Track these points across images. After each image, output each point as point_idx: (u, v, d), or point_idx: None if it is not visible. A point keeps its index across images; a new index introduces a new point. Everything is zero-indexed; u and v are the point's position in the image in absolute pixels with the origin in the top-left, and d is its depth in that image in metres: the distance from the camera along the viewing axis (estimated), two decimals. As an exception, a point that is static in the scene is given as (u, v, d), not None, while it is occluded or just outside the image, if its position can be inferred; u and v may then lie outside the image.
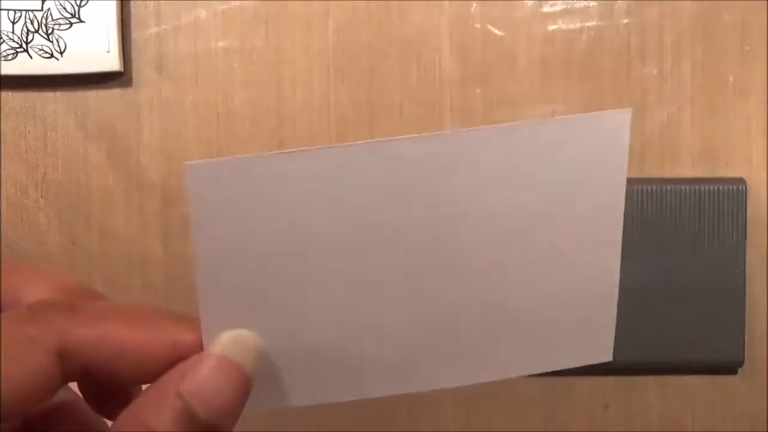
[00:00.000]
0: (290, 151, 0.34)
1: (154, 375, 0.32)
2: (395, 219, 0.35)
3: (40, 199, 0.62)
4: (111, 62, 0.60)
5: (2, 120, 0.62)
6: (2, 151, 0.62)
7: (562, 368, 0.39)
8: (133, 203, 0.62)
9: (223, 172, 0.34)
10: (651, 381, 0.63)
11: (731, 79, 0.62)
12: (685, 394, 0.64)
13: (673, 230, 0.61)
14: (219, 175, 0.34)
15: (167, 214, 0.63)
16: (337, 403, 0.37)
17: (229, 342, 0.33)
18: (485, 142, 0.35)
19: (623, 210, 0.37)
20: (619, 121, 0.38)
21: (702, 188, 0.61)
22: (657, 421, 0.63)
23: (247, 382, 0.33)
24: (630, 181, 0.61)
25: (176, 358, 0.32)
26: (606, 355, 0.39)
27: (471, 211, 0.36)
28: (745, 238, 0.62)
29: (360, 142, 0.34)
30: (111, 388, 0.35)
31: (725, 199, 0.61)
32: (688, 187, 0.61)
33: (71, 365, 0.31)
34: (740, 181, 0.62)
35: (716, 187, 0.61)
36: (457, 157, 0.35)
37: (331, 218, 0.35)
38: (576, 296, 0.38)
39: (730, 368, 0.64)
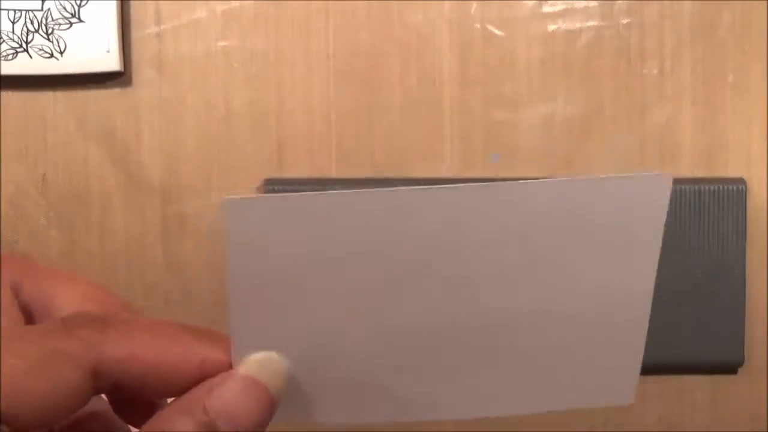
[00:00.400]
0: (324, 193, 0.36)
1: (181, 390, 0.33)
2: (422, 260, 0.36)
3: (40, 199, 0.62)
4: (111, 62, 0.60)
5: (2, 120, 0.62)
6: (2, 151, 0.62)
7: (581, 407, 0.40)
8: (133, 203, 0.62)
9: (259, 207, 0.36)
10: (651, 381, 0.63)
11: (731, 78, 0.62)
12: (685, 394, 0.64)
13: (674, 230, 0.61)
14: (255, 211, 0.36)
15: (167, 214, 0.63)
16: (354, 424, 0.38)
17: (257, 363, 0.34)
18: (523, 196, 0.36)
19: (656, 269, 0.38)
20: (659, 184, 0.38)
21: (702, 188, 0.61)
22: (657, 421, 0.63)
23: (272, 404, 0.34)
24: (630, 181, 0.61)
25: (204, 375, 0.33)
26: (628, 398, 0.40)
27: (501, 257, 0.37)
28: (745, 238, 0.62)
29: (397, 188, 0.36)
30: (138, 399, 0.36)
31: (725, 199, 0.61)
32: (688, 187, 0.61)
33: (102, 381, 0.32)
34: (740, 181, 0.62)
35: (716, 187, 0.61)
36: (494, 208, 0.36)
37: (360, 255, 0.36)
38: (601, 343, 0.39)
39: (730, 368, 0.64)
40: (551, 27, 0.62)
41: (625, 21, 0.62)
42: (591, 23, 0.62)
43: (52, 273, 0.37)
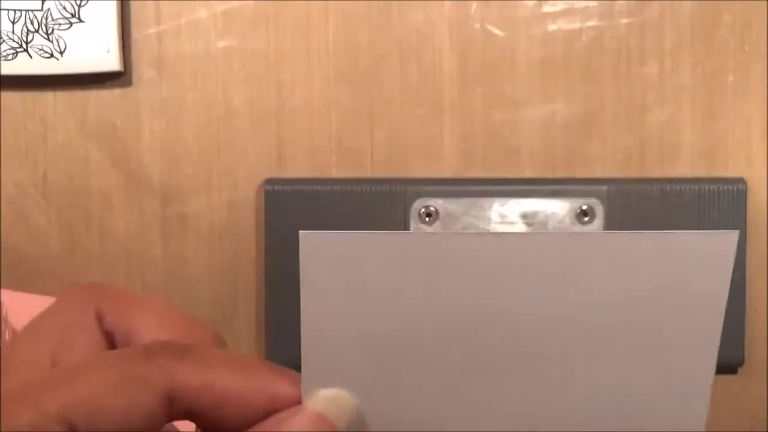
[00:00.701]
0: (399, 233, 0.38)
1: (252, 422, 0.34)
2: (490, 304, 0.37)
3: (40, 199, 0.62)
4: (111, 62, 0.60)
5: (2, 120, 0.62)
6: (2, 151, 0.62)
7: None
8: (133, 203, 0.63)
9: (334, 243, 0.37)
10: (651, 381, 0.63)
11: (731, 78, 0.62)
12: (685, 394, 0.64)
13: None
14: (330, 246, 0.37)
15: (167, 214, 0.63)
16: None
17: (327, 400, 0.35)
18: (589, 247, 0.37)
19: (722, 324, 0.39)
20: (725, 241, 0.39)
21: (702, 188, 0.61)
22: None
23: None
24: (630, 181, 0.61)
25: (274, 409, 0.34)
26: None
27: (569, 309, 0.37)
28: (745, 238, 0.62)
29: (468, 232, 0.38)
30: (210, 429, 0.37)
31: (725, 199, 0.61)
32: (688, 187, 0.61)
33: (177, 408, 0.34)
34: (740, 181, 0.62)
35: (716, 187, 0.61)
36: (564, 258, 0.37)
37: (431, 299, 0.37)
38: (665, 397, 0.41)
39: (730, 368, 0.64)
40: (551, 27, 0.62)
41: (625, 21, 0.62)
42: (591, 23, 0.62)
43: (135, 301, 0.39)
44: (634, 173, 0.62)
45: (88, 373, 0.33)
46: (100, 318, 0.38)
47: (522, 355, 0.38)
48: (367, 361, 0.38)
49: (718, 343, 0.39)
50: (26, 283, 0.63)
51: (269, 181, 0.62)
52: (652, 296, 0.38)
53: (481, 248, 0.37)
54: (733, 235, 0.38)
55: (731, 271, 0.39)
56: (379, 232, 0.37)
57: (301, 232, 0.37)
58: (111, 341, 0.38)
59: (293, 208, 0.61)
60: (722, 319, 0.39)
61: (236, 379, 0.35)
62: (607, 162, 0.62)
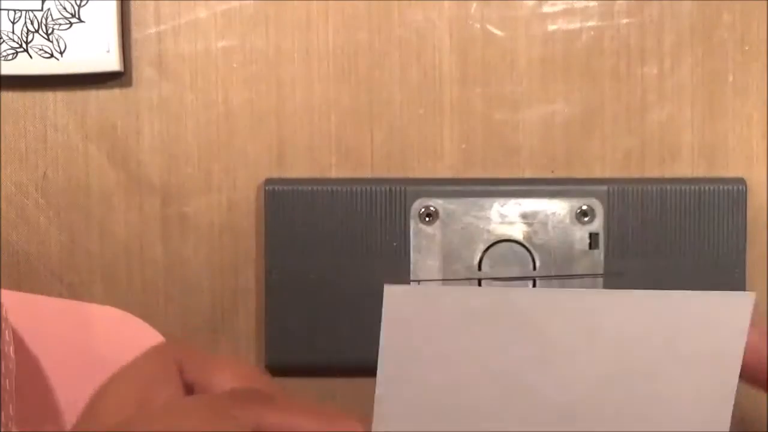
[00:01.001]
0: (474, 289, 0.45)
1: None
2: (541, 354, 0.41)
3: (40, 199, 0.62)
4: (111, 62, 0.60)
5: (2, 120, 0.62)
6: (2, 151, 0.62)
7: None
8: (133, 203, 0.63)
9: (416, 296, 0.42)
10: (651, 381, 0.64)
11: (731, 78, 0.62)
12: (685, 394, 0.64)
13: (674, 230, 0.61)
14: (412, 299, 0.42)
15: (167, 214, 0.63)
16: None
17: None
18: (620, 305, 0.41)
19: (737, 380, 0.42)
20: (740, 302, 0.42)
21: (702, 188, 0.61)
22: None
23: None
24: (630, 181, 0.62)
25: None
26: None
27: (605, 363, 0.41)
28: (745, 238, 0.62)
29: (538, 289, 0.46)
30: None
31: (725, 199, 0.61)
32: (688, 187, 0.61)
33: None
34: (740, 181, 0.62)
35: (716, 187, 0.61)
36: (599, 315, 0.41)
37: (498, 349, 0.41)
38: None
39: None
40: (551, 27, 0.62)
41: (625, 21, 0.62)
42: (591, 23, 0.62)
43: (211, 358, 0.43)
44: (634, 173, 0.62)
45: (186, 410, 0.37)
46: (180, 371, 0.42)
47: (567, 402, 0.42)
48: (435, 409, 0.42)
49: (733, 399, 0.41)
50: (26, 283, 0.63)
51: (269, 181, 0.62)
52: (672, 353, 0.41)
53: (529, 303, 0.41)
54: (749, 297, 0.41)
55: (746, 330, 0.42)
56: (456, 288, 0.44)
57: (386, 285, 0.42)
58: (190, 392, 0.42)
59: (293, 208, 0.61)
60: (737, 375, 0.41)
61: (313, 422, 0.39)
62: (607, 162, 0.63)
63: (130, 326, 0.62)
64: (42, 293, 0.62)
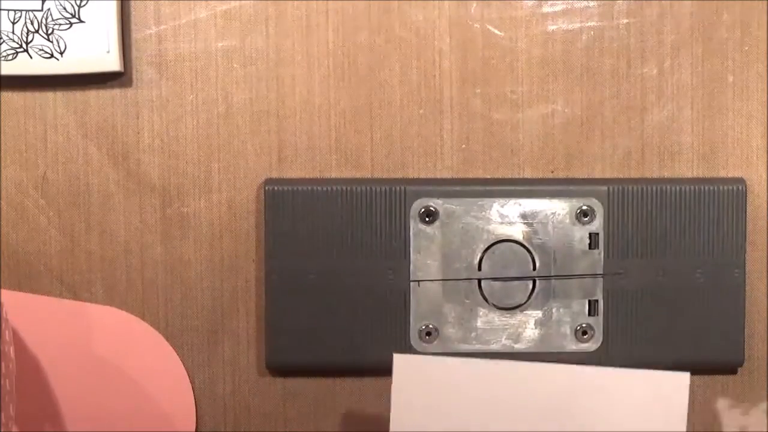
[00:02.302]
0: (475, 360, 0.51)
1: None
2: (519, 419, 0.50)
3: (40, 199, 0.63)
4: (111, 63, 0.60)
5: (2, 120, 0.62)
6: (2, 151, 0.62)
7: None
8: (133, 203, 0.63)
9: (422, 365, 0.50)
10: (651, 381, 0.64)
11: (731, 79, 0.63)
12: (685, 394, 0.64)
13: (673, 230, 0.62)
14: (419, 368, 0.50)
15: (167, 213, 0.63)
16: None
17: None
18: (575, 378, 0.50)
19: None
20: (677, 381, 0.50)
21: (702, 188, 0.62)
22: None
23: None
24: (630, 181, 0.62)
25: None
26: None
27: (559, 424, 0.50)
28: (745, 238, 0.62)
29: (529, 363, 0.52)
30: None
31: (725, 199, 0.62)
32: (688, 187, 0.62)
33: None
34: (740, 181, 0.62)
35: (716, 187, 0.62)
36: (576, 390, 0.50)
37: (489, 412, 0.50)
38: None
39: (730, 368, 0.64)
40: (551, 27, 0.62)
41: (624, 21, 0.62)
42: (591, 23, 0.62)
43: None
44: (634, 173, 0.63)
45: None
46: None
47: None
48: None
49: None
50: (26, 283, 0.63)
51: (269, 181, 0.62)
52: (627, 421, 0.50)
53: (527, 375, 0.50)
54: (684, 377, 0.50)
55: (686, 407, 0.50)
56: (457, 359, 0.50)
57: (395, 354, 0.50)
58: None
59: (293, 208, 0.61)
60: None
61: None
62: (606, 162, 0.63)
63: (130, 326, 0.63)
64: (42, 293, 0.62)
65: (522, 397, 0.49)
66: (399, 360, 0.51)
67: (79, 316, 0.62)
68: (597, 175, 0.63)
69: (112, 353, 0.62)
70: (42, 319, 0.62)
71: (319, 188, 0.61)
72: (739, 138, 0.63)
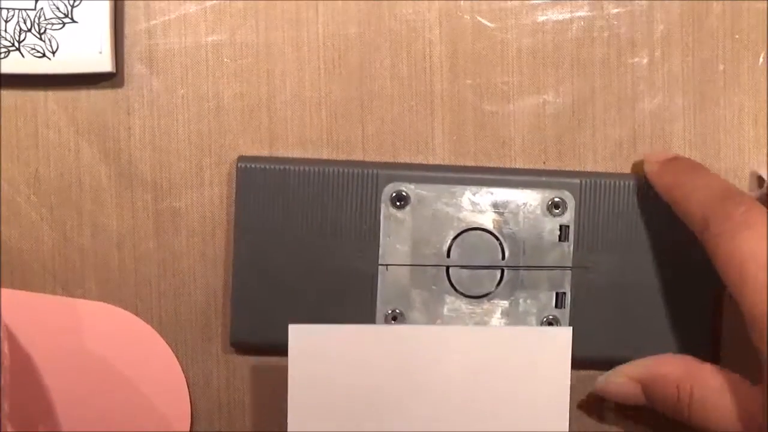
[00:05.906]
0: (366, 326, 0.56)
1: None
2: (415, 380, 0.54)
3: (32, 196, 0.63)
4: (103, 63, 0.61)
5: (-8, 117, 0.63)
6: (-7, 147, 0.63)
7: None
8: (125, 199, 0.64)
9: (317, 333, 0.54)
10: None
11: (722, 67, 0.64)
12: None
13: (645, 225, 0.62)
14: (313, 336, 0.53)
15: (159, 208, 0.64)
16: None
17: None
18: (464, 338, 0.54)
19: (567, 412, 0.54)
20: (560, 337, 0.54)
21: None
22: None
23: None
24: (605, 175, 0.62)
25: None
26: None
27: (453, 385, 0.54)
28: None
29: (421, 326, 0.58)
30: None
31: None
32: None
33: None
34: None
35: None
36: (464, 347, 0.55)
37: (389, 375, 0.54)
38: None
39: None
40: (541, 18, 0.63)
41: (614, 11, 0.63)
42: (580, 13, 0.63)
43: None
44: (626, 163, 0.63)
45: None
46: None
47: (438, 412, 0.54)
48: (339, 424, 0.53)
49: (567, 419, 0.54)
50: (18, 280, 0.63)
51: (242, 159, 0.62)
52: (512, 377, 0.54)
53: (417, 339, 0.54)
54: (567, 331, 0.54)
55: (569, 362, 0.54)
56: (351, 326, 0.54)
57: (290, 325, 0.53)
58: None
59: (265, 186, 0.61)
60: (567, 404, 0.54)
61: None
62: (598, 152, 0.64)
63: (123, 322, 0.63)
64: (35, 290, 0.63)
65: (415, 360, 0.53)
66: (295, 330, 0.53)
67: (73, 312, 0.63)
68: (589, 165, 0.64)
69: (106, 349, 0.63)
70: (35, 316, 0.62)
71: (292, 167, 0.62)
72: (731, 127, 0.64)
